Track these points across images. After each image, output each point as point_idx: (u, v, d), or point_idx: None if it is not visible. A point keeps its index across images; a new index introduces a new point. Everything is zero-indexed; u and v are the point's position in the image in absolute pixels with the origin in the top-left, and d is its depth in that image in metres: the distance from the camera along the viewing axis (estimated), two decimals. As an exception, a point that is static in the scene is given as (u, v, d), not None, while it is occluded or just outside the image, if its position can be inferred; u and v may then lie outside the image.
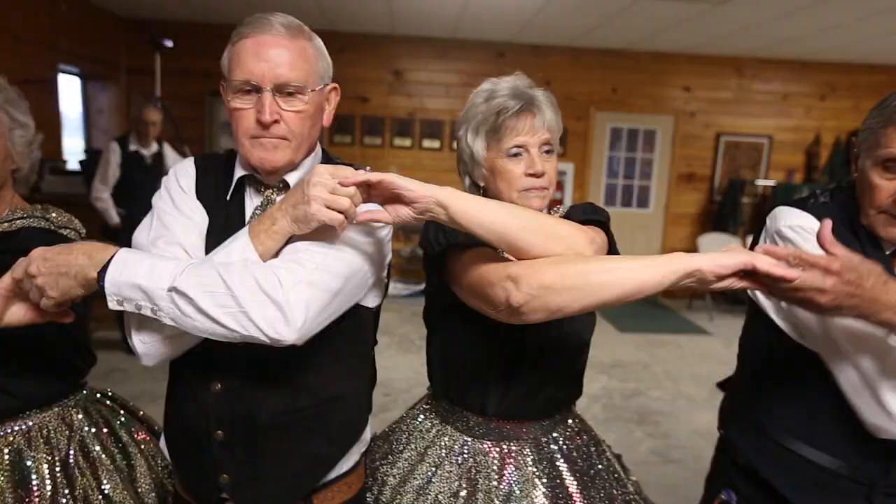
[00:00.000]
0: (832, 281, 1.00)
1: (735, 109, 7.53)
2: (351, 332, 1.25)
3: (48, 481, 1.34)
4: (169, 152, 4.91)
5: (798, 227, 1.32)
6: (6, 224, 1.35)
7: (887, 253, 1.32)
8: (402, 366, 4.82)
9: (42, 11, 4.40)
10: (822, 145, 7.55)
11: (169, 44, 5.66)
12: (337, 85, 1.33)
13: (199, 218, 1.24)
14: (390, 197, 1.11)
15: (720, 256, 1.03)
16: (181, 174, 1.30)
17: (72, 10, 5.34)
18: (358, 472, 1.38)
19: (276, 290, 1.02)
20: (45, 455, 1.36)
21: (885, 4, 4.67)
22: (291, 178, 1.26)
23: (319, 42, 1.26)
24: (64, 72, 5.87)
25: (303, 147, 1.26)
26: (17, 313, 1.17)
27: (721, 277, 1.03)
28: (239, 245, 1.11)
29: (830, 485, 1.33)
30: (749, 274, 1.03)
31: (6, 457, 1.33)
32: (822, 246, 1.06)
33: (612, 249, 1.32)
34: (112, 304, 1.03)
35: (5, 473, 1.31)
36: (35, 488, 1.32)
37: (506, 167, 1.32)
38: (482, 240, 1.15)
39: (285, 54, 1.18)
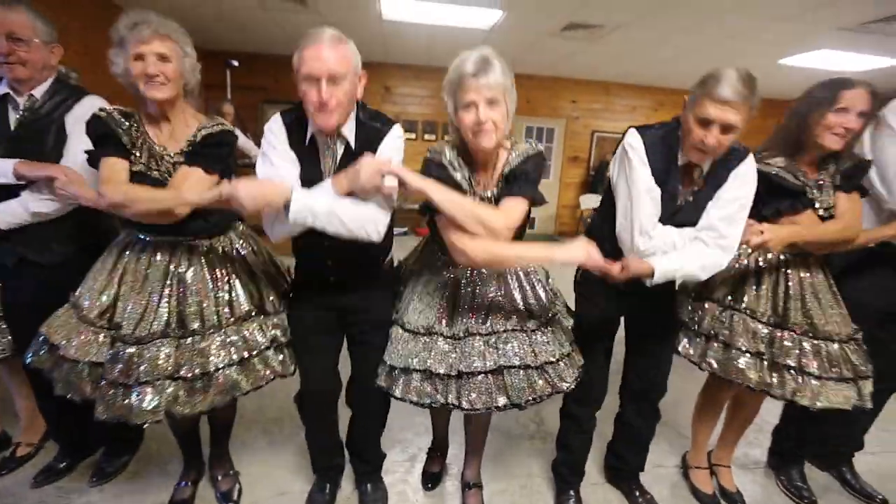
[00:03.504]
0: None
1: (603, 116, 7.72)
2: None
3: (222, 269, 1.46)
4: (240, 136, 4.85)
5: (629, 144, 1.36)
6: (210, 129, 1.39)
7: (679, 164, 1.35)
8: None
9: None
10: (656, 139, 7.83)
11: (235, 63, 5.49)
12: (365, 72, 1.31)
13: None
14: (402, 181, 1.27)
15: (571, 255, 1.28)
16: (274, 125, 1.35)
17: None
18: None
19: (376, 220, 1.28)
20: (221, 250, 1.48)
21: (693, 46, 4.90)
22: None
23: (353, 45, 1.26)
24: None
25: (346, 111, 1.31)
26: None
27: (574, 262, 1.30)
28: (326, 188, 1.26)
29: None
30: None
31: (204, 249, 1.45)
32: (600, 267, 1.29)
33: (536, 198, 1.34)
34: (291, 217, 1.19)
35: (207, 257, 1.44)
36: (219, 271, 1.44)
37: (462, 117, 1.25)
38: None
39: (333, 56, 1.19)
